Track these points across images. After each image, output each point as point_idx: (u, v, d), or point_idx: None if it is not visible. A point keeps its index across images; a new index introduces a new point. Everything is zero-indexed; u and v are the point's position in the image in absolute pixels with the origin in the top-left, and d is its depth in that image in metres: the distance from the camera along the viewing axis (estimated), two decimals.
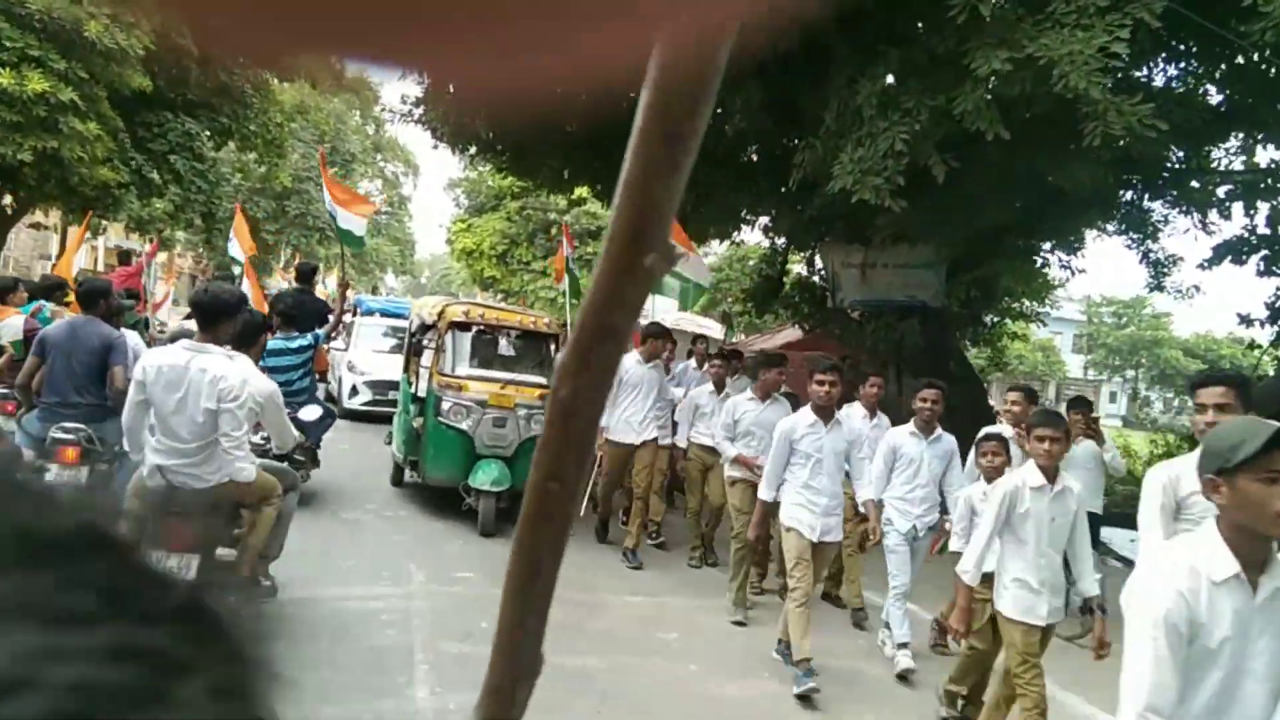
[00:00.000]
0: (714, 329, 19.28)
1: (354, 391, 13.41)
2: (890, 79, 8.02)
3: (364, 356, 13.97)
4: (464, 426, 7.60)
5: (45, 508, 0.36)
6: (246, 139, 17.53)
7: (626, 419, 7.51)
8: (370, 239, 36.69)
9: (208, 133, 16.50)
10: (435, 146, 13.62)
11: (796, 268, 15.75)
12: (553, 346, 8.45)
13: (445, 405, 7.68)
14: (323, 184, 9.89)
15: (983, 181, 9.11)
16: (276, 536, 4.86)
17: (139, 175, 14.78)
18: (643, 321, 15.41)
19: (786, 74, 9.06)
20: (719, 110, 11.34)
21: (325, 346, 8.45)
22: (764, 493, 5.48)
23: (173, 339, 4.81)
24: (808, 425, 5.36)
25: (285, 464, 5.38)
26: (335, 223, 9.30)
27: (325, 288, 16.53)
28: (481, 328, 8.29)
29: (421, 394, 7.99)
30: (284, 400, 4.94)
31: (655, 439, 7.64)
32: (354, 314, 16.08)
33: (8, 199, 15.09)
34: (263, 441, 5.17)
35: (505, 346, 8.38)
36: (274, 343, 6.75)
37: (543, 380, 7.90)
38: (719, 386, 7.77)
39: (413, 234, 42.84)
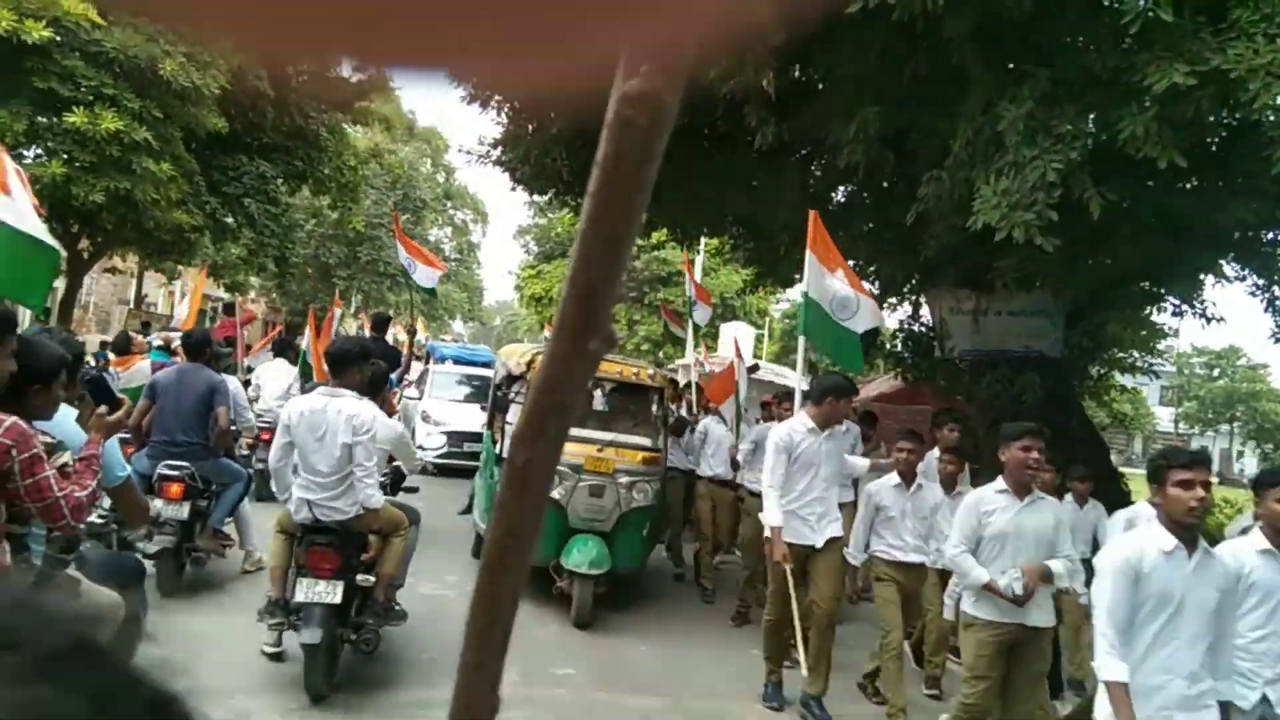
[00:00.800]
0: (791, 378, 18.19)
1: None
2: (1032, 102, 7.11)
3: (439, 406, 13.29)
4: (555, 495, 6.67)
5: (40, 623, 0.42)
6: (320, 183, 17.26)
7: (802, 513, 5.38)
8: (441, 286, 36.69)
9: (281, 177, 16.20)
10: (514, 188, 13.03)
11: (888, 315, 14.74)
12: (656, 403, 7.36)
13: None
14: (396, 237, 10.79)
15: (1127, 218, 8.10)
16: (403, 567, 5.27)
17: (213, 219, 14.48)
18: (777, 376, 14.29)
19: (910, 101, 8.19)
20: (807, 148, 10.54)
21: (396, 390, 8.60)
22: (1110, 672, 3.15)
23: (310, 389, 5.37)
24: (1162, 553, 3.21)
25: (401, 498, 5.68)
26: (411, 278, 10.24)
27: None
28: None
29: (507, 455, 7.12)
30: None
31: (839, 538, 5.55)
32: (426, 361, 15.51)
33: (84, 242, 14.89)
34: (383, 478, 5.37)
35: (602, 402, 7.43)
36: None
37: (646, 441, 6.90)
38: (948, 486, 5.76)
39: (481, 281, 42.88)
